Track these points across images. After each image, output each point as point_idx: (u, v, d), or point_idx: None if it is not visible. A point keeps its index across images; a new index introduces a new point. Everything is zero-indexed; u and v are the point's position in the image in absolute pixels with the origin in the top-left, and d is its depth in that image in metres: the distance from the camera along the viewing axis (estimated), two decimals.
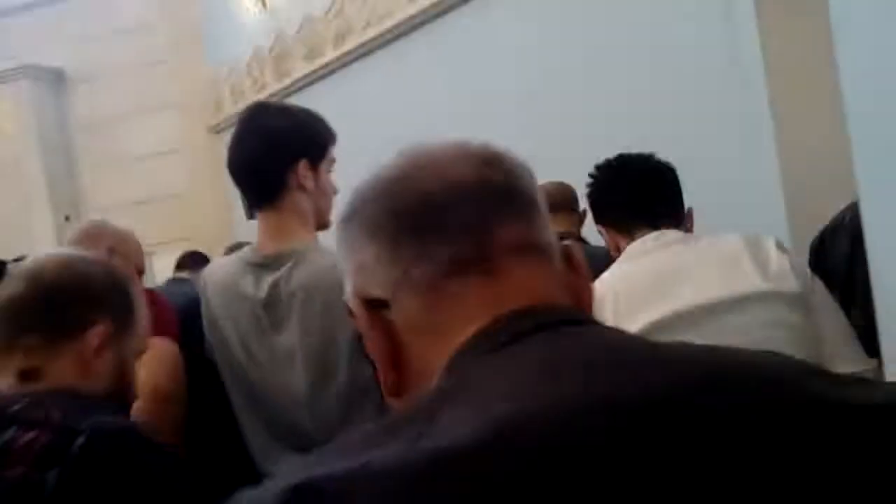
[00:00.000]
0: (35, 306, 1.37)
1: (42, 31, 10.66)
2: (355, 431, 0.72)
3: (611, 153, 2.55)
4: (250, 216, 2.24)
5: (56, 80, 10.73)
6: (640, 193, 2.47)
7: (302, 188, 2.20)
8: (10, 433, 1.21)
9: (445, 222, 0.80)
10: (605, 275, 2.31)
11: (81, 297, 0.96)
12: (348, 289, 0.87)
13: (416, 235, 0.80)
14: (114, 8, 10.48)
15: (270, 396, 2.17)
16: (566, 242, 0.90)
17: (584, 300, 0.86)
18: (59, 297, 1.31)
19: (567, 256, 0.87)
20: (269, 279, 2.17)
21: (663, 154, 2.54)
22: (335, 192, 2.29)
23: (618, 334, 0.82)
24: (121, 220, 8.44)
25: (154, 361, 2.19)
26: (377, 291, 0.82)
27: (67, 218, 9.77)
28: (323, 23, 7.47)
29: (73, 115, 10.74)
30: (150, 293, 2.45)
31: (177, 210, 10.08)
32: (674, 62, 4.30)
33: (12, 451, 1.18)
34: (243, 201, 2.24)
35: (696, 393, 0.67)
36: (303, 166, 2.19)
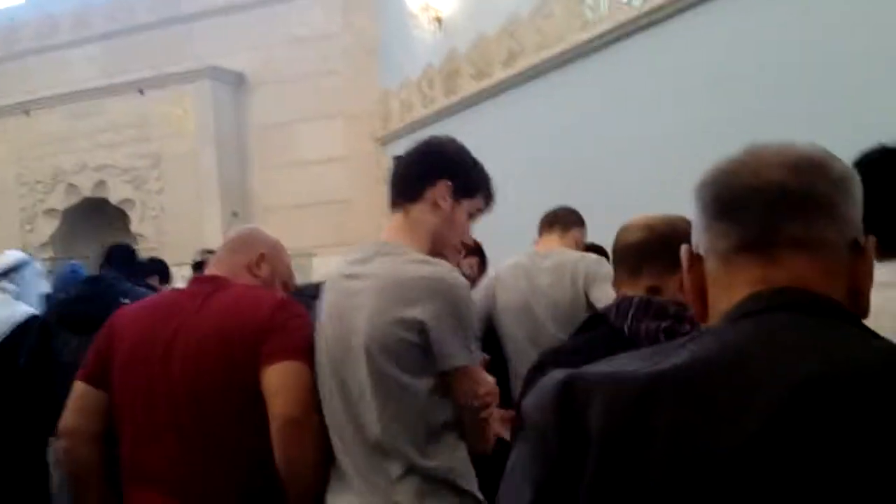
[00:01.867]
0: (655, 247, 2.00)
1: (226, 36, 11.18)
2: (636, 352, 1.04)
3: None
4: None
5: (236, 82, 11.21)
6: None
7: (435, 206, 2.28)
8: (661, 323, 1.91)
9: (743, 214, 1.04)
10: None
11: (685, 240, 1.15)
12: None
13: (723, 219, 1.05)
14: (296, 17, 10.90)
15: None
16: (862, 239, 1.06)
17: (860, 286, 1.05)
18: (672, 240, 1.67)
19: (859, 247, 1.05)
20: (357, 257, 2.29)
21: None
22: (465, 240, 2.39)
23: (832, 330, 0.97)
24: (285, 221, 8.76)
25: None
26: (699, 249, 1.09)
27: (235, 214, 10.16)
28: (495, 43, 7.57)
29: (249, 117, 11.19)
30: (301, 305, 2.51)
31: (339, 215, 10.37)
32: None
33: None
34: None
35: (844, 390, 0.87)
36: (444, 186, 2.28)
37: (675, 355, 0.96)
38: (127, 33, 11.85)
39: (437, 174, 2.28)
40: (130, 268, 4.84)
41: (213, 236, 9.59)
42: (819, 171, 1.04)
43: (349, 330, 2.20)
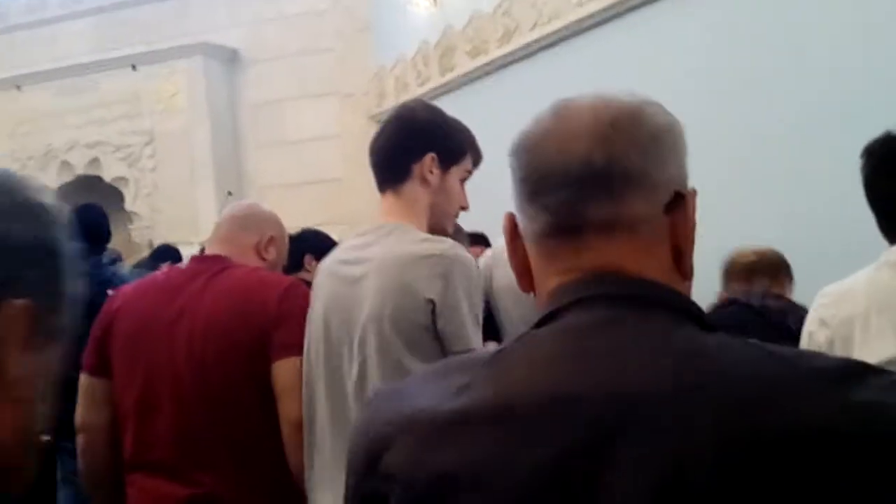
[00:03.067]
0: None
1: (219, 12, 11.09)
2: (429, 367, 1.09)
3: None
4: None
5: (229, 59, 11.12)
6: None
7: (424, 181, 2.29)
8: None
9: (548, 197, 0.99)
10: (861, 275, 2.18)
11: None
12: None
13: (532, 202, 1.01)
14: None
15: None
16: (684, 191, 1.01)
17: (680, 243, 0.99)
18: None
19: (682, 203, 0.99)
20: (357, 243, 2.30)
21: None
22: (463, 204, 2.39)
23: (649, 324, 0.93)
24: (279, 200, 8.71)
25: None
26: (519, 223, 1.05)
27: (230, 193, 10.10)
28: (490, 20, 7.52)
29: (243, 94, 11.11)
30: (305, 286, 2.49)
31: (334, 194, 10.31)
32: None
33: None
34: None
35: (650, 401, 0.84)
36: (430, 159, 2.28)
37: (480, 382, 0.94)
38: (118, 8, 11.73)
39: (419, 149, 2.28)
40: (102, 240, 4.58)
41: (208, 215, 9.55)
42: (629, 133, 0.99)
43: (351, 316, 2.18)
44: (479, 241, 4.61)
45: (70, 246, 0.87)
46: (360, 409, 2.10)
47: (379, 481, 0.95)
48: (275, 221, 2.72)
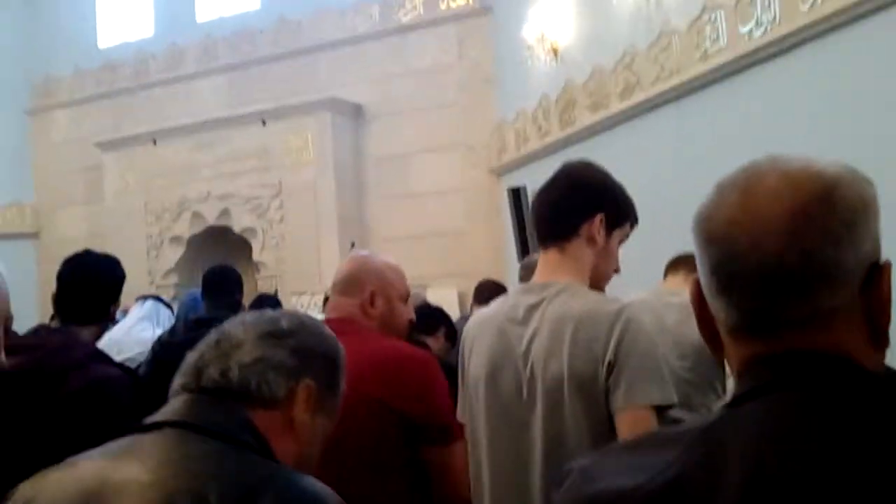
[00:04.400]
0: None
1: (346, 68, 11.42)
2: (630, 444, 1.07)
3: None
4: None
5: (354, 114, 11.41)
6: None
7: (592, 240, 2.27)
8: None
9: (741, 298, 0.98)
10: None
11: None
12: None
13: (723, 295, 1.00)
14: (413, 49, 11.08)
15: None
16: (886, 262, 0.99)
17: (876, 318, 0.97)
18: None
19: (877, 278, 0.97)
20: (529, 301, 2.26)
21: None
22: (617, 267, 2.38)
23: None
24: (401, 252, 8.81)
25: None
26: (704, 291, 1.04)
27: (353, 244, 10.27)
28: (611, 75, 7.55)
29: (367, 148, 11.36)
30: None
31: (454, 246, 10.44)
32: None
33: None
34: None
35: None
36: (599, 219, 2.26)
37: (679, 461, 0.95)
38: (251, 65, 12.21)
39: (591, 209, 2.27)
40: (231, 297, 4.53)
41: (331, 266, 9.74)
42: (823, 224, 0.95)
43: (527, 375, 2.18)
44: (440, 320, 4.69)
45: (343, 356, 1.61)
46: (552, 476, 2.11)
47: None
48: (372, 273, 2.70)
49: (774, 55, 5.58)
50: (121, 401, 2.58)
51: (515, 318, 2.26)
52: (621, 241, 2.36)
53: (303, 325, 1.53)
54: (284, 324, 1.50)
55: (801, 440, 0.89)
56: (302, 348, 1.48)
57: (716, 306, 1.02)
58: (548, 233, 2.31)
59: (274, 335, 1.47)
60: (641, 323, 2.14)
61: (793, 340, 0.96)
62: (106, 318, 3.03)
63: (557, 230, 2.29)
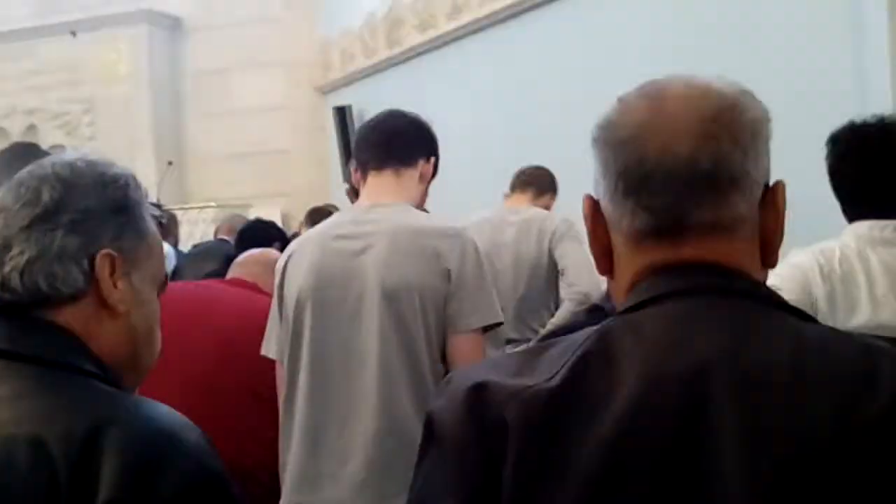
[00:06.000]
0: None
1: None
2: (513, 355, 1.05)
3: None
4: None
5: (172, 27, 10.98)
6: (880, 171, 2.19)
7: (423, 177, 2.45)
8: None
9: (650, 198, 0.97)
10: (829, 245, 2.19)
11: None
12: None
13: (629, 197, 0.98)
14: None
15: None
16: (778, 181, 1.01)
17: (768, 237, 1.00)
18: None
19: (772, 197, 1.00)
20: (357, 217, 2.38)
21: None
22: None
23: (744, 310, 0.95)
24: (221, 172, 8.61)
25: None
26: (602, 202, 1.02)
27: (170, 163, 9.98)
28: None
29: (185, 63, 10.97)
30: None
31: (277, 166, 10.24)
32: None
33: None
34: (354, 162, 2.50)
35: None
36: (432, 161, 2.47)
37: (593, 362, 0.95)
38: None
39: (428, 149, 2.47)
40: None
41: (147, 185, 9.40)
42: (732, 131, 0.97)
43: (358, 288, 2.22)
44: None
45: (127, 181, 1.25)
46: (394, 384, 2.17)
47: (496, 443, 0.94)
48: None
49: None
50: None
51: (342, 234, 2.32)
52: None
53: (70, 183, 1.21)
54: (47, 194, 1.18)
55: (697, 343, 0.91)
56: (80, 219, 1.19)
57: (619, 212, 1.00)
58: (387, 155, 2.42)
59: (41, 218, 1.17)
60: (476, 244, 2.28)
61: (693, 248, 0.97)
62: None
63: (398, 155, 2.42)
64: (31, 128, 11.06)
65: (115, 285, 1.19)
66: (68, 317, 1.17)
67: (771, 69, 4.31)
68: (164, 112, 10.74)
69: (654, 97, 1.01)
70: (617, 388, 0.90)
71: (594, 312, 2.73)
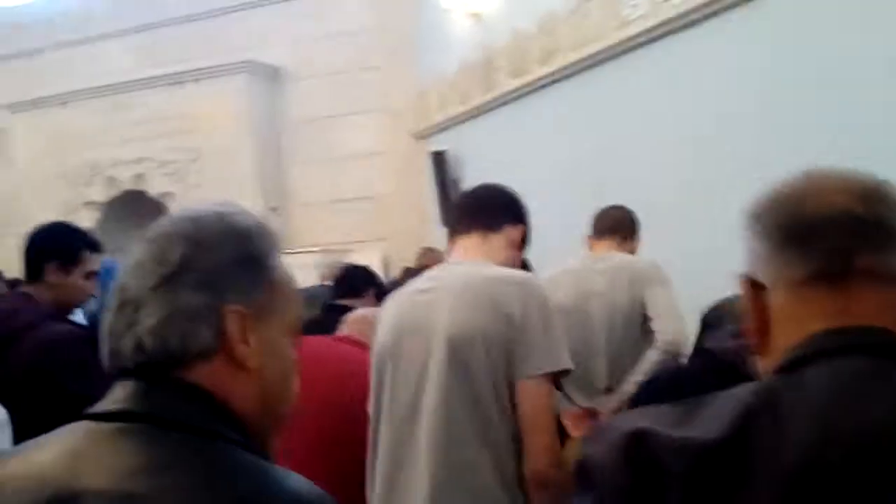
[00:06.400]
0: None
1: (263, 30, 11.20)
2: (668, 406, 1.05)
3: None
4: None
5: (272, 76, 11.23)
6: None
7: (511, 243, 2.53)
8: None
9: (813, 241, 1.01)
10: None
11: None
12: (742, 270, 1.10)
13: (791, 247, 1.03)
14: (332, 11, 10.90)
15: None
16: None
17: None
18: None
19: None
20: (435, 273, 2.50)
21: None
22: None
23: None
24: (322, 217, 8.70)
25: None
26: (760, 278, 1.06)
27: (273, 209, 10.16)
28: (532, 40, 7.54)
29: (285, 111, 11.21)
30: None
31: (376, 210, 10.40)
32: None
33: None
34: (448, 218, 2.53)
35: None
36: (521, 229, 2.55)
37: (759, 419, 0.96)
38: (161, 25, 11.83)
39: (518, 216, 2.55)
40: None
41: None
42: (884, 199, 1.03)
43: (426, 337, 2.31)
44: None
45: (256, 232, 1.25)
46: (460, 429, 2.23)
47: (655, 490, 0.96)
48: None
49: (694, 22, 5.64)
50: (74, 356, 2.64)
51: (420, 289, 2.44)
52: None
53: (195, 240, 1.20)
54: (173, 253, 1.18)
55: (869, 406, 0.93)
56: (207, 276, 1.18)
57: (781, 264, 1.04)
58: (474, 218, 2.53)
59: (168, 278, 1.16)
60: (543, 291, 2.33)
61: (863, 299, 1.00)
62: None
63: (484, 219, 2.52)
64: (139, 176, 11.36)
65: (245, 341, 1.17)
66: (201, 375, 1.15)
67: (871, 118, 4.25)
68: (267, 159, 10.98)
69: (806, 176, 1.08)
70: (785, 445, 0.92)
71: (698, 358, 2.69)
